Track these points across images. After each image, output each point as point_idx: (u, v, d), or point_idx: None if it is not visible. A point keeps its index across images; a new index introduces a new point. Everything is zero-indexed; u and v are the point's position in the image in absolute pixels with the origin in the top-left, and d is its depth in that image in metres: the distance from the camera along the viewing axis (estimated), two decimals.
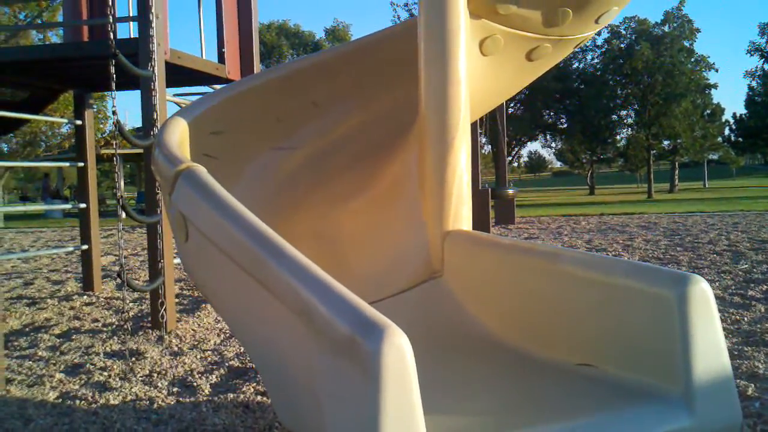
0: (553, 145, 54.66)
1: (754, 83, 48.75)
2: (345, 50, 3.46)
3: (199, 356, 4.48)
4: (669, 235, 11.90)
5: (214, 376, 4.01)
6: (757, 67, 50.59)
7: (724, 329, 4.71)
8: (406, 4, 43.80)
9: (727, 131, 50.45)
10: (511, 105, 41.57)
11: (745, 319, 5.05)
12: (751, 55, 47.65)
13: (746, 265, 7.70)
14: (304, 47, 54.96)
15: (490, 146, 36.62)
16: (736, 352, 4.12)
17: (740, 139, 49.52)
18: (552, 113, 47.51)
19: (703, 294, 1.86)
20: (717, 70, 49.13)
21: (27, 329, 5.53)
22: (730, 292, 6.08)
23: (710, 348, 1.86)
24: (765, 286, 6.32)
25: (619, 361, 2.05)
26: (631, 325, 2.00)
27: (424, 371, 1.60)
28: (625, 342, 2.03)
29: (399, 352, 1.49)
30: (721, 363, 1.87)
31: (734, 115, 50.26)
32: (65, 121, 9.12)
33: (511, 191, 16.80)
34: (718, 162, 73.98)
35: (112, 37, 4.77)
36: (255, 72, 6.99)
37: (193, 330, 5.27)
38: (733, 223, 14.08)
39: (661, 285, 1.90)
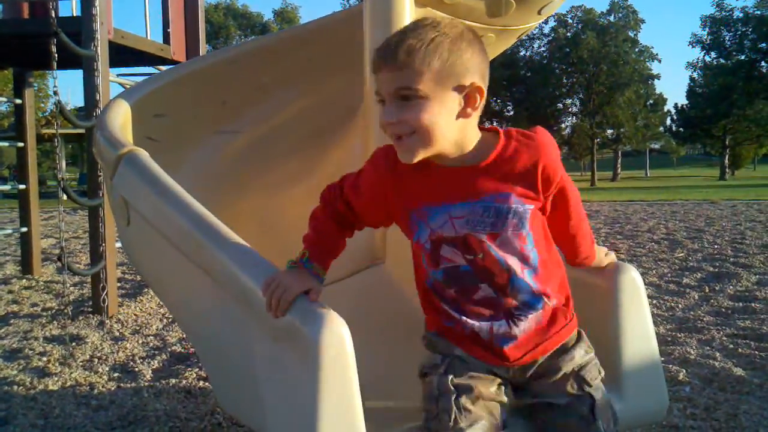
0: None
1: (695, 74, 49.91)
2: (292, 34, 3.46)
3: (140, 341, 4.44)
4: (610, 223, 12.15)
5: (155, 362, 3.99)
6: (698, 59, 51.93)
7: (659, 316, 4.85)
8: None
9: (668, 121, 51.68)
10: None
11: (680, 306, 5.20)
12: (693, 47, 48.89)
13: (682, 254, 7.92)
14: (251, 28, 54.41)
15: None
16: (669, 339, 4.25)
17: (681, 129, 50.72)
18: (499, 100, 47.98)
19: (633, 283, 1.92)
20: (660, 61, 50.35)
21: None
22: (666, 280, 6.25)
23: (640, 335, 1.92)
24: (699, 274, 6.51)
25: None
26: None
27: (364, 358, 1.62)
28: None
29: (338, 340, 1.52)
30: (649, 350, 1.94)
31: (676, 106, 51.43)
32: (4, 99, 8.90)
33: None
34: (660, 151, 75.75)
35: (53, 14, 4.67)
36: (201, 53, 6.92)
37: (135, 315, 5.22)
38: (671, 212, 14.44)
39: (593, 273, 1.95)
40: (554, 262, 1.72)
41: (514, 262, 1.62)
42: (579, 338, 1.75)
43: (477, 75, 1.53)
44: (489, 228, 1.60)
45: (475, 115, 1.59)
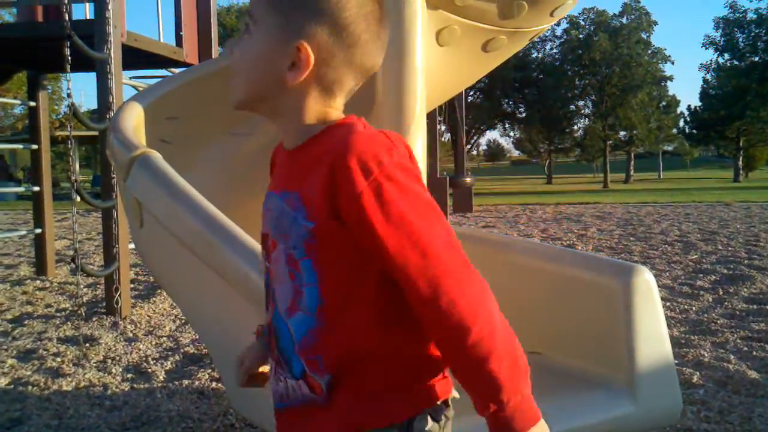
0: (512, 134, 55.20)
1: (708, 76, 49.63)
2: None
3: (154, 342, 4.46)
4: (622, 225, 12.10)
5: (168, 363, 4.00)
6: (711, 60, 51.49)
7: (673, 318, 4.82)
8: None
9: (681, 123, 51.39)
10: (471, 93, 41.76)
11: (693, 308, 5.17)
12: (706, 48, 48.54)
13: (696, 256, 7.87)
14: None
15: (449, 134, 36.81)
16: (683, 341, 4.23)
17: (694, 131, 50.39)
18: (511, 102, 47.89)
19: (646, 285, 1.91)
20: (673, 63, 50.08)
21: None
22: (679, 282, 6.22)
23: (653, 337, 1.92)
24: (713, 277, 6.47)
25: (566, 349, 2.10)
26: (578, 314, 2.05)
27: None
28: (572, 330, 2.08)
29: None
30: (663, 352, 1.93)
31: (689, 107, 51.17)
32: (18, 102, 8.95)
33: (469, 179, 16.94)
34: (673, 153, 75.26)
35: (66, 18, 4.70)
36: (213, 55, 6.93)
37: (148, 316, 5.23)
38: (685, 214, 14.37)
39: (607, 275, 1.95)
40: (366, 331, 1.09)
41: (281, 291, 1.15)
42: None
43: (318, 43, 1.11)
44: (273, 231, 1.17)
45: (315, 92, 1.14)
